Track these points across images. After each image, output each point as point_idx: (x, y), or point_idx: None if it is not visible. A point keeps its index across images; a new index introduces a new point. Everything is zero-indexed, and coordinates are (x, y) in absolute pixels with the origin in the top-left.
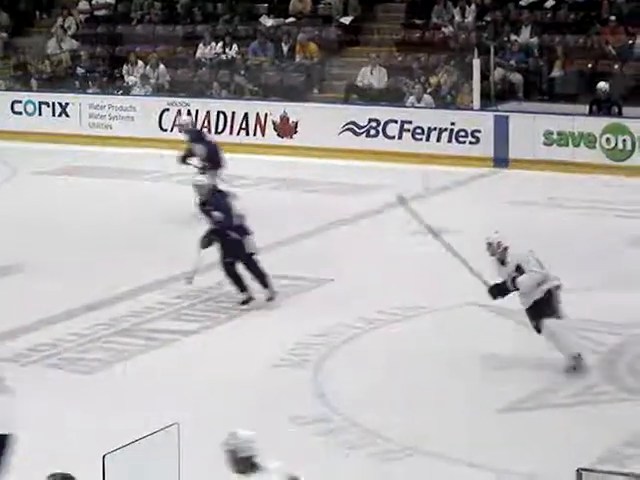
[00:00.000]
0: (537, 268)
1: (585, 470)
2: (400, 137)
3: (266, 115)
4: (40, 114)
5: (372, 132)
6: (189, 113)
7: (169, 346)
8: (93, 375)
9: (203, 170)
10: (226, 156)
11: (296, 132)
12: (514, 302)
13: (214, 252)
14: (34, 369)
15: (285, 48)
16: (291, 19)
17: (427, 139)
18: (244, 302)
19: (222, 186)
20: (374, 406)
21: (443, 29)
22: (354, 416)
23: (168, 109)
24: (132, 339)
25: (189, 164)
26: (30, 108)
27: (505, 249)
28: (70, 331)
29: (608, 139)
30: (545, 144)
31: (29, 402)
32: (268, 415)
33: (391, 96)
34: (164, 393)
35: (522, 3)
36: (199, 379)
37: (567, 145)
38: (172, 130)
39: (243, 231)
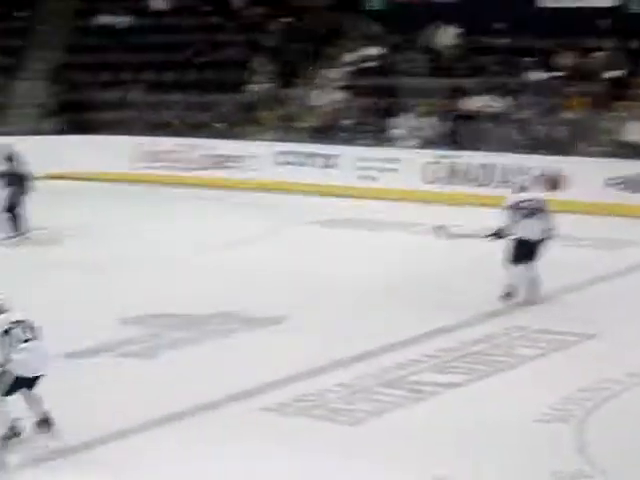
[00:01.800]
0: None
1: None
2: None
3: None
4: (307, 165)
5: None
6: None
7: (433, 399)
8: (359, 426)
9: None
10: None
11: (563, 186)
12: None
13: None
14: (300, 420)
15: (552, 102)
16: (557, 73)
17: None
18: None
19: None
20: (637, 465)
21: None
22: (616, 474)
23: (435, 162)
24: (397, 391)
25: None
26: (297, 159)
27: None
28: (336, 381)
29: None
30: None
31: (296, 454)
32: (528, 469)
33: None
34: (428, 446)
35: None
36: (462, 431)
37: None
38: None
39: None
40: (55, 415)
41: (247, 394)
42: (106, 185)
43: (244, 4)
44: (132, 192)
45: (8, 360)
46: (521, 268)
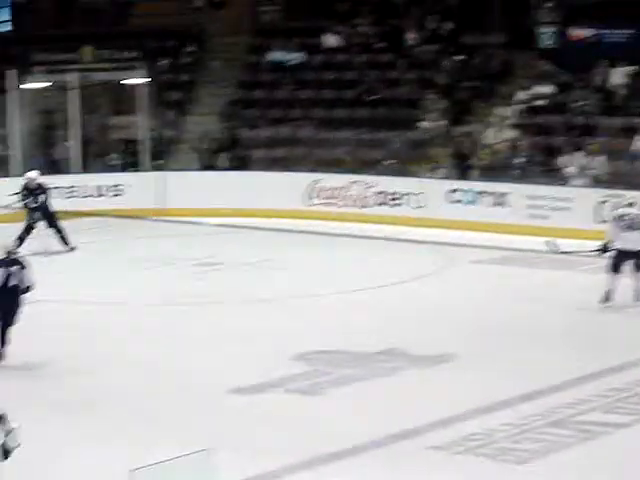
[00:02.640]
0: None
1: None
2: None
3: None
4: (478, 203)
5: None
6: None
7: (601, 439)
8: (525, 465)
9: None
10: None
11: None
12: None
13: None
14: (467, 459)
15: None
16: None
17: None
18: None
19: None
20: None
21: None
22: None
23: (605, 201)
24: (564, 430)
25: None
26: (468, 197)
27: None
28: (503, 421)
29: None
30: None
31: None
32: None
33: None
34: None
35: None
36: (631, 472)
37: None
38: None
39: None
40: (219, 452)
41: (415, 432)
42: (279, 221)
43: (416, 42)
44: (305, 229)
45: None
46: (620, 276)
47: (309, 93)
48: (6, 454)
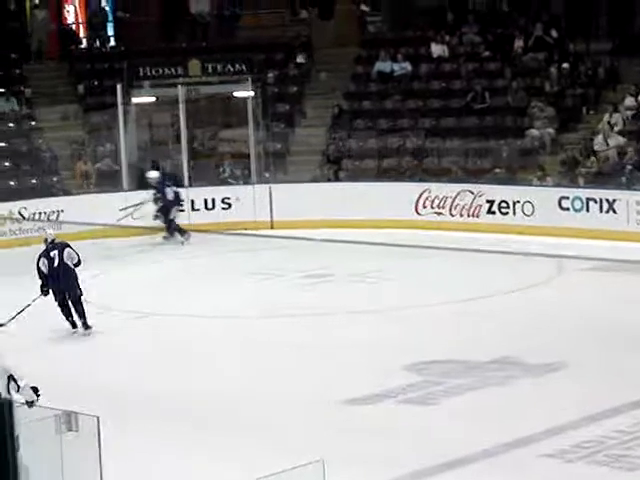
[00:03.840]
0: None
1: None
2: None
3: None
4: (587, 210)
5: None
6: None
7: None
8: (637, 472)
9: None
10: None
11: None
12: None
13: None
14: (579, 466)
15: None
16: None
17: None
18: None
19: None
20: None
21: None
22: None
23: None
24: None
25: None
26: (577, 204)
27: None
28: (616, 428)
29: None
30: None
31: None
32: None
33: None
34: None
35: None
36: None
37: None
38: None
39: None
40: (331, 463)
41: (527, 441)
42: (388, 232)
43: (523, 50)
44: (414, 239)
45: None
46: None
47: (416, 103)
48: (30, 405)
